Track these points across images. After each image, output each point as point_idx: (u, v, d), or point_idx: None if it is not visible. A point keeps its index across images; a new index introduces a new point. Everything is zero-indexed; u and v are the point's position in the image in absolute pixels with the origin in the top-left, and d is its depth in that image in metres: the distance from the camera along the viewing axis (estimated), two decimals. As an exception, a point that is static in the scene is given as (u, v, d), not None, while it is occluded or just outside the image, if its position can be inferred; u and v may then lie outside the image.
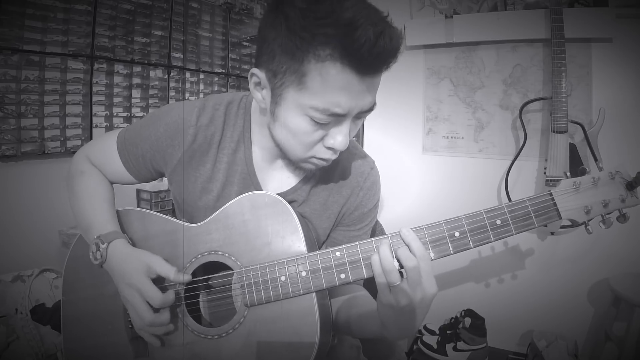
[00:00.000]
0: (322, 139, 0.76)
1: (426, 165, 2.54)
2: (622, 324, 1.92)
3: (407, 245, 0.70)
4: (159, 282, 0.83)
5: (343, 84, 0.68)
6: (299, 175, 0.91)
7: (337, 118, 0.73)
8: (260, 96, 0.79)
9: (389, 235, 0.73)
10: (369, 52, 0.64)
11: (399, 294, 0.69)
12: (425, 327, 2.41)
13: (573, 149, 1.98)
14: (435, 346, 2.27)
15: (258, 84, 0.78)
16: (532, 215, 0.72)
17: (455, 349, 2.22)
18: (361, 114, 0.75)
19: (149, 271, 0.80)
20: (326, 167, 0.88)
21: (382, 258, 0.69)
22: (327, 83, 0.68)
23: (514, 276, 2.33)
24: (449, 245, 0.72)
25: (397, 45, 0.67)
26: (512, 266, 2.33)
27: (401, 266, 0.69)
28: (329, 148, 0.77)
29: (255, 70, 0.76)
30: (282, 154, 0.83)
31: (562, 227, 2.06)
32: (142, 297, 0.79)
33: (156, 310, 0.80)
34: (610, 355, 1.98)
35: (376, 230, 1.16)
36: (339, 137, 0.75)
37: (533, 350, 2.12)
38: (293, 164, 0.83)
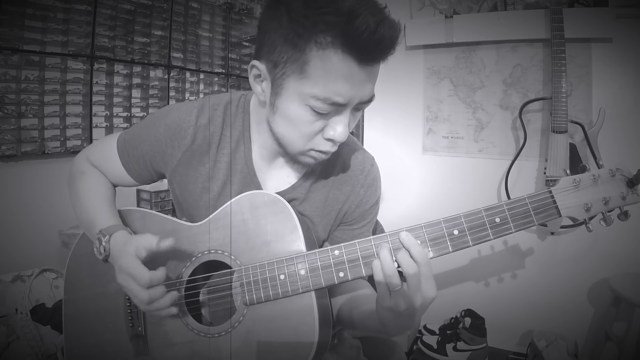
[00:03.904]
0: (321, 130, 0.77)
1: (426, 165, 2.54)
2: (622, 324, 1.92)
3: (407, 250, 0.70)
4: (154, 263, 0.80)
5: (344, 72, 0.69)
6: (299, 173, 0.92)
7: (337, 108, 0.73)
8: (260, 89, 0.79)
9: (387, 234, 0.73)
10: (369, 40, 0.66)
11: (398, 299, 0.70)
12: (425, 327, 2.40)
13: (573, 149, 1.98)
14: (435, 346, 2.27)
15: (258, 76, 0.78)
16: (532, 213, 0.71)
17: (455, 349, 2.22)
18: (360, 105, 0.76)
19: (137, 251, 0.78)
20: (326, 164, 0.88)
21: (382, 262, 0.69)
22: (329, 71, 0.69)
23: (514, 276, 2.33)
24: (448, 243, 0.72)
25: (396, 34, 0.69)
26: (512, 266, 2.33)
27: (400, 270, 0.69)
28: (329, 139, 0.77)
29: (255, 62, 0.77)
30: (282, 149, 0.83)
31: (563, 226, 2.06)
32: (133, 278, 0.78)
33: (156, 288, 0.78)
34: (610, 355, 1.98)
35: (376, 230, 1.16)
36: (338, 128, 0.75)
37: (533, 350, 2.12)
38: (292, 158, 0.83)
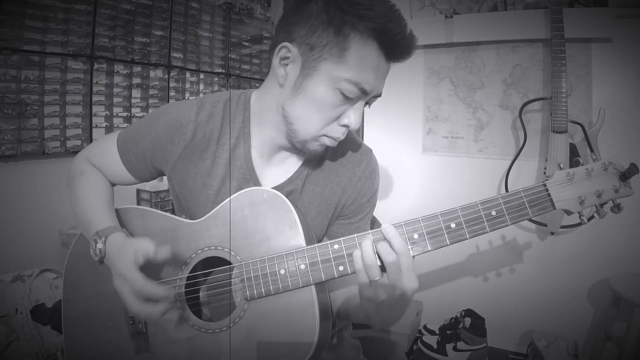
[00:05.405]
0: (338, 117, 0.80)
1: (426, 165, 2.54)
2: (622, 324, 1.92)
3: (388, 241, 0.72)
4: (154, 270, 0.82)
5: (374, 63, 0.76)
6: (296, 165, 0.92)
7: (360, 96, 0.78)
8: (283, 71, 0.81)
9: (370, 232, 0.75)
10: (401, 41, 0.75)
11: (378, 289, 0.72)
12: (425, 327, 2.40)
13: (573, 149, 1.98)
14: (435, 346, 2.27)
15: (286, 58, 0.80)
16: (527, 205, 0.73)
17: (455, 349, 2.22)
18: (372, 99, 0.82)
19: (136, 257, 0.78)
20: (323, 155, 0.91)
21: (363, 253, 0.72)
22: (364, 60, 0.75)
23: (514, 276, 2.33)
24: (445, 236, 0.73)
25: (415, 44, 0.78)
26: (512, 266, 2.33)
27: (382, 262, 0.71)
28: (344, 125, 0.81)
29: (287, 44, 0.79)
30: (288, 139, 0.85)
31: (563, 226, 2.06)
32: (130, 286, 0.78)
33: (149, 299, 0.78)
34: (610, 355, 1.98)
35: (374, 227, 1.16)
36: (355, 116, 0.80)
37: (533, 350, 2.12)
38: (301, 146, 0.84)
